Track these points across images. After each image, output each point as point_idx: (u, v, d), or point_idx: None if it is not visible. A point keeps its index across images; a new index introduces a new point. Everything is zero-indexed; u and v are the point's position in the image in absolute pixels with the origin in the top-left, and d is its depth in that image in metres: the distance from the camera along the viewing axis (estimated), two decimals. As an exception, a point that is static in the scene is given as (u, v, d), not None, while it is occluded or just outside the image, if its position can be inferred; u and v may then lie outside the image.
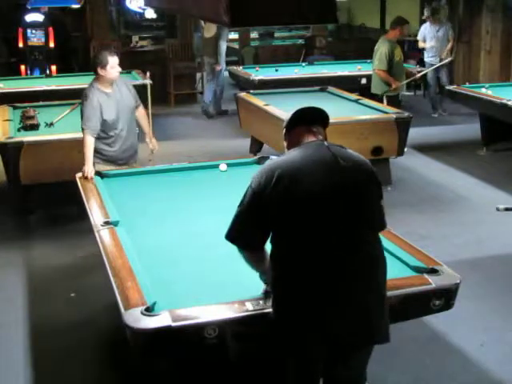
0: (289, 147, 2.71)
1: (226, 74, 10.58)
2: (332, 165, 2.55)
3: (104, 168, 5.02)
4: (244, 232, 2.60)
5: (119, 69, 5.06)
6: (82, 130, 5.01)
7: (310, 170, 2.52)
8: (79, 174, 4.61)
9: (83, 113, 4.99)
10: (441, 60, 9.74)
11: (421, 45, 10.28)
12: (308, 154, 2.58)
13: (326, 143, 2.64)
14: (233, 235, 2.62)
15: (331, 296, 2.50)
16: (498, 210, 3.73)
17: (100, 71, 4.96)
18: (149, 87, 5.32)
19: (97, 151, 5.07)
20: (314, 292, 2.50)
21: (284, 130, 2.77)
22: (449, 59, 9.73)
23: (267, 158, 4.48)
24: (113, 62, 4.97)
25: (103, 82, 5.03)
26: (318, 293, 2.50)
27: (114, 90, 5.09)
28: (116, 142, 5.13)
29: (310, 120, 2.72)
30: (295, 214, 2.50)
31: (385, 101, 7.73)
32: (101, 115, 4.97)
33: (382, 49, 7.73)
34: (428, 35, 10.09)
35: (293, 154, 2.61)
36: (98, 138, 5.05)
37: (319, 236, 2.50)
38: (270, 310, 2.62)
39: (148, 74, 6.49)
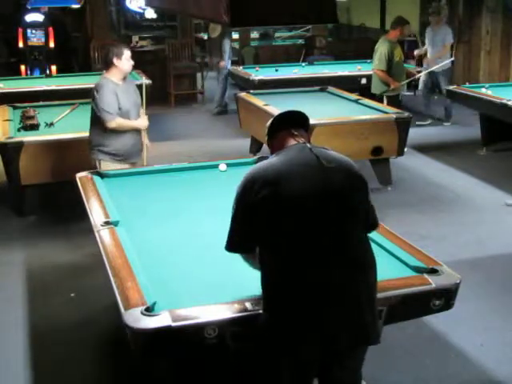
0: (272, 152, 2.73)
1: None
2: (315, 166, 2.55)
3: (113, 167, 5.09)
4: (242, 241, 2.63)
5: (132, 62, 5.19)
6: (109, 122, 5.03)
7: (293, 174, 2.53)
8: (79, 174, 4.61)
9: (101, 103, 5.02)
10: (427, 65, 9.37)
11: (417, 52, 9.85)
12: (290, 158, 2.59)
13: (308, 145, 2.64)
14: (233, 246, 2.66)
15: (324, 296, 2.51)
16: (507, 205, 3.75)
17: (116, 61, 5.06)
18: (144, 87, 5.33)
19: (105, 147, 5.15)
20: (307, 293, 2.50)
21: (266, 138, 2.78)
22: (448, 60, 9.32)
23: (267, 157, 4.47)
24: (128, 53, 5.13)
25: (115, 74, 5.12)
26: (311, 294, 2.50)
27: (124, 85, 5.20)
28: (126, 133, 5.17)
29: (291, 124, 2.73)
30: (283, 218, 2.51)
31: (385, 101, 7.75)
32: (118, 103, 5.06)
33: (381, 49, 7.75)
34: (427, 39, 9.65)
35: (275, 159, 2.62)
36: (106, 133, 5.11)
37: (311, 239, 2.51)
38: (262, 311, 2.63)
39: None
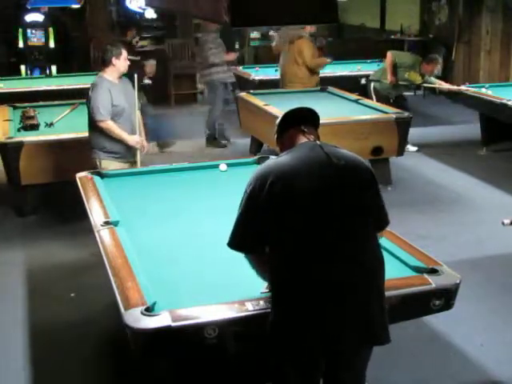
0: (282, 151, 2.72)
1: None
2: (326, 164, 2.55)
3: (113, 166, 5.12)
4: (246, 238, 2.61)
5: (128, 62, 5.27)
6: (99, 121, 5.09)
7: (304, 171, 2.53)
8: (79, 174, 4.61)
9: (95, 101, 5.07)
10: None
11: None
12: (301, 155, 2.58)
13: (318, 143, 2.64)
14: (235, 243, 2.63)
15: (327, 294, 2.50)
16: (503, 224, 3.76)
17: (114, 61, 5.14)
18: (136, 86, 5.34)
19: (105, 146, 5.18)
20: (310, 291, 2.50)
21: (275, 136, 2.78)
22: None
23: (267, 157, 4.47)
24: (125, 53, 5.22)
25: (112, 73, 5.18)
26: (314, 291, 2.50)
27: (120, 84, 5.25)
28: (124, 131, 5.19)
29: (300, 121, 2.72)
30: (292, 215, 2.50)
31: (374, 97, 7.88)
32: (111, 101, 5.09)
33: (409, 58, 8.06)
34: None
35: (286, 156, 2.61)
36: (105, 134, 5.13)
37: (317, 236, 2.51)
38: (269, 310, 2.62)
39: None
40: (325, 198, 2.52)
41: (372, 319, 2.55)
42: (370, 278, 2.57)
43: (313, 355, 2.58)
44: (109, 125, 5.10)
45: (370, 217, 2.63)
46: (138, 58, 8.35)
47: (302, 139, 2.67)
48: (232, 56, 8.67)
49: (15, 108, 7.09)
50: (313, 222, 2.51)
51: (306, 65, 8.16)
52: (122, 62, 5.16)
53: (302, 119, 2.73)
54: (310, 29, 8.43)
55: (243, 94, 7.92)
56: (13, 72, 11.04)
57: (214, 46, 8.42)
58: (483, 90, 7.96)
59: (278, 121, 2.77)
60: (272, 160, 2.68)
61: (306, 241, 2.51)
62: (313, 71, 8.32)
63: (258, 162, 4.71)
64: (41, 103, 7.38)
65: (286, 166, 2.55)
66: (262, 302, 2.69)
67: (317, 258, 2.50)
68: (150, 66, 8.43)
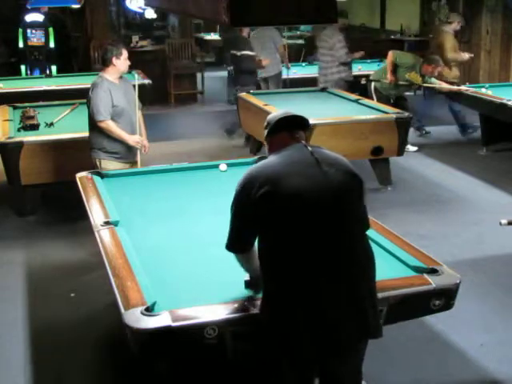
0: (270, 151, 2.77)
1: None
2: (314, 166, 2.58)
3: (112, 166, 5.12)
4: (241, 240, 2.66)
5: (129, 62, 5.26)
6: (100, 121, 5.10)
7: (292, 172, 2.56)
8: (79, 174, 4.61)
9: (95, 101, 5.07)
10: None
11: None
12: (290, 157, 2.62)
13: (310, 148, 2.67)
14: (232, 246, 2.68)
15: (323, 295, 2.51)
16: (500, 224, 3.78)
17: (115, 61, 5.13)
18: (137, 87, 5.35)
19: (105, 146, 5.19)
20: (304, 292, 2.51)
21: (265, 133, 2.81)
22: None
23: (267, 157, 4.47)
24: (126, 53, 5.20)
25: (112, 73, 5.18)
26: (309, 292, 2.51)
27: (121, 84, 5.25)
28: (124, 131, 5.19)
29: (292, 127, 2.77)
30: (282, 216, 2.52)
31: (374, 97, 7.88)
32: (111, 101, 5.09)
33: (409, 58, 8.10)
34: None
35: (274, 158, 2.65)
36: (105, 134, 5.14)
37: (306, 236, 2.52)
38: (259, 311, 2.63)
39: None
40: (315, 200, 2.53)
41: (366, 314, 2.57)
42: (361, 274, 2.59)
43: (311, 356, 2.59)
44: (109, 125, 5.11)
45: (358, 218, 2.65)
46: (254, 53, 8.60)
47: (291, 141, 2.70)
48: (360, 54, 8.97)
49: (15, 108, 7.09)
50: (304, 224, 2.52)
51: (443, 57, 8.42)
52: (122, 62, 5.16)
53: (295, 125, 2.78)
54: (455, 25, 8.90)
55: (243, 94, 7.92)
56: (13, 72, 11.03)
57: (344, 44, 8.69)
58: (483, 90, 7.96)
59: (270, 118, 2.80)
60: (262, 162, 2.71)
61: (298, 243, 2.52)
62: (450, 65, 8.71)
63: (258, 162, 4.70)
64: (41, 103, 7.37)
65: (277, 167, 2.58)
66: (260, 301, 2.69)
67: (310, 259, 2.51)
68: (264, 59, 8.86)
